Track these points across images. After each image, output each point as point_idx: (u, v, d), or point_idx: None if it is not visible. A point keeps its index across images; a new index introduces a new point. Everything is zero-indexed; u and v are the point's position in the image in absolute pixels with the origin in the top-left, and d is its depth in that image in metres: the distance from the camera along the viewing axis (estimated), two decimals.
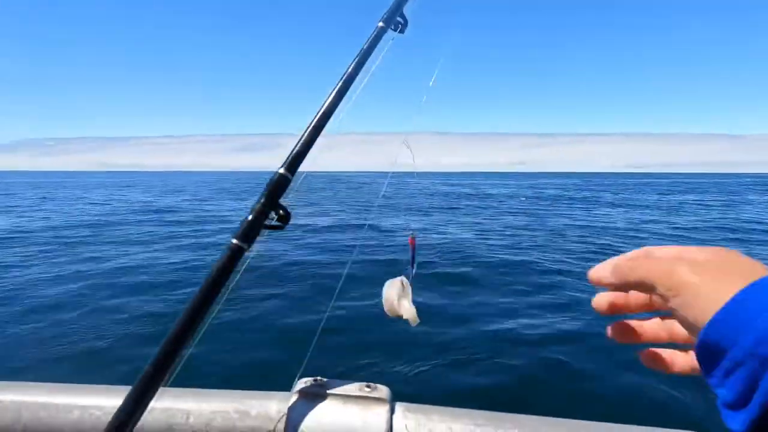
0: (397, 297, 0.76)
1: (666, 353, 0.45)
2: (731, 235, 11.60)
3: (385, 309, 0.77)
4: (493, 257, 7.84)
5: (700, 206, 20.61)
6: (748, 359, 0.34)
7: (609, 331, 0.46)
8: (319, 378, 0.77)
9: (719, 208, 19.80)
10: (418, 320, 0.76)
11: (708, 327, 0.37)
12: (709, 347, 0.37)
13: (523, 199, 26.42)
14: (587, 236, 10.81)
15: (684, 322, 0.40)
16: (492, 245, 9.18)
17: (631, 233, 11.62)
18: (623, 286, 0.44)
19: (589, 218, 15.08)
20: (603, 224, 13.33)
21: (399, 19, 0.76)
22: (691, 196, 28.84)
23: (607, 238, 10.68)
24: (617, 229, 12.42)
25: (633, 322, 0.46)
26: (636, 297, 0.46)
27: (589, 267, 0.44)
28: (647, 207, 20.25)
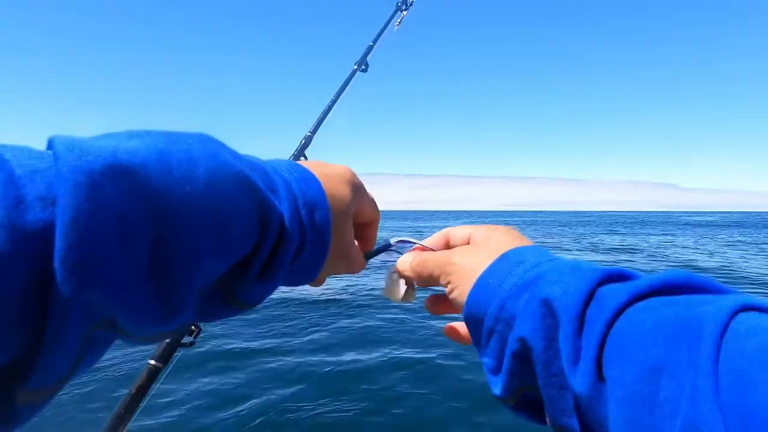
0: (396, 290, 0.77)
1: (462, 328, 0.45)
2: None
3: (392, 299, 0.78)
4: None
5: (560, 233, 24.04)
6: (497, 325, 0.35)
7: (444, 331, 0.47)
8: None
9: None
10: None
11: (466, 304, 0.38)
12: (471, 322, 0.38)
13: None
14: None
15: (459, 307, 0.40)
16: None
17: None
18: (422, 282, 0.45)
19: None
20: None
21: (364, 66, 1.03)
22: (556, 229, 33.49)
23: None
24: None
25: (458, 325, 0.46)
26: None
27: None
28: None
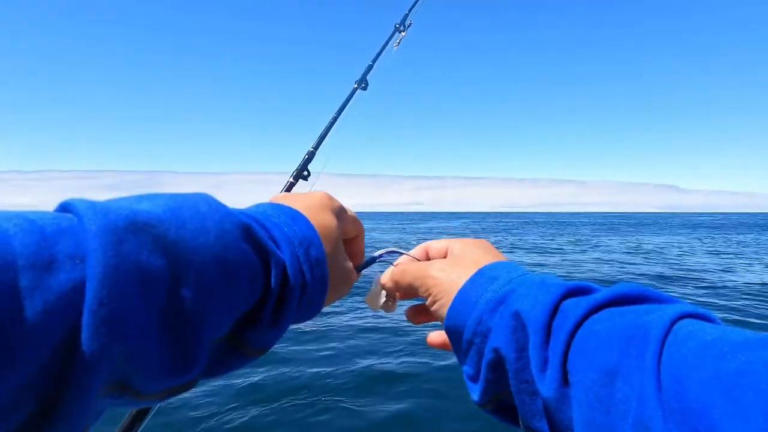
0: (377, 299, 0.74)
1: (442, 336, 0.47)
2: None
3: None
4: None
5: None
6: (474, 338, 0.38)
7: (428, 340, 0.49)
8: None
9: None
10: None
11: (447, 317, 0.41)
12: (451, 333, 0.41)
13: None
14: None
15: (439, 319, 0.43)
16: None
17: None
18: (402, 292, 0.48)
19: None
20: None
21: (364, 84, 1.08)
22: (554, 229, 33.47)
23: None
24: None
25: (438, 334, 0.48)
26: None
27: None
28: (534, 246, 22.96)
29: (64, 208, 0.26)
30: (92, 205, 0.25)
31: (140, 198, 0.29)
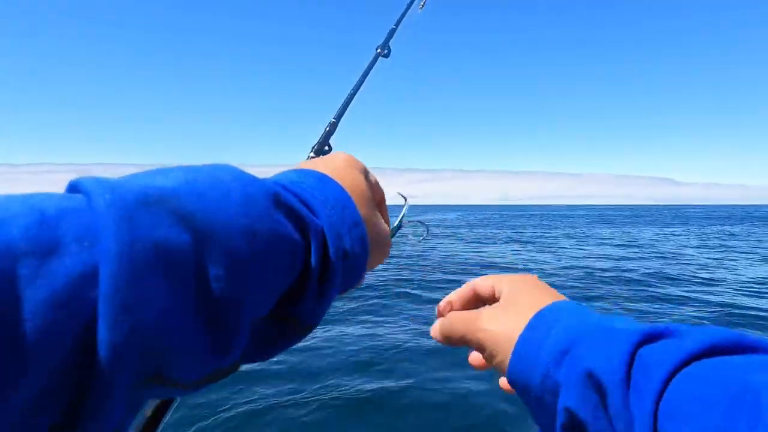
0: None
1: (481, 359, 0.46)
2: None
3: None
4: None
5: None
6: (544, 395, 0.35)
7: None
8: None
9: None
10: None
11: (509, 373, 0.38)
12: (517, 388, 0.39)
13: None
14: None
15: (501, 371, 0.41)
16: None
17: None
18: (455, 345, 0.45)
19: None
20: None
21: (386, 50, 1.00)
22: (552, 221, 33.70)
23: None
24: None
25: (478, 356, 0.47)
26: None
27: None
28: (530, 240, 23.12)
29: (74, 187, 0.24)
30: (100, 181, 0.23)
31: (153, 172, 0.26)
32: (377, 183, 0.43)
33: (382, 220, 0.41)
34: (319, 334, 4.62)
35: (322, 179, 0.35)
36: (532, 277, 0.45)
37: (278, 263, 0.28)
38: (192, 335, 0.23)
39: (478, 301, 0.47)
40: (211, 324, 0.24)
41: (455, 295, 0.48)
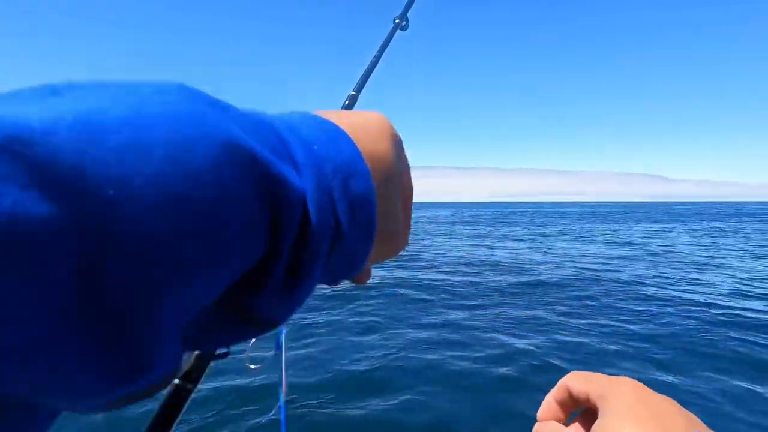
0: None
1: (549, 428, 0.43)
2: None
3: None
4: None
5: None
6: None
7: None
8: None
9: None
10: None
11: None
12: None
13: None
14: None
15: None
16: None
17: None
18: None
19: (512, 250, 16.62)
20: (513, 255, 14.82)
21: (405, 22, 0.95)
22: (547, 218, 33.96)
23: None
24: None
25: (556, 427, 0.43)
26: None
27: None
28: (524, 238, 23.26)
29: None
30: None
31: (46, 90, 0.18)
32: (409, 170, 0.33)
33: (400, 206, 0.32)
34: (299, 341, 4.47)
35: (335, 134, 0.27)
36: (642, 388, 0.37)
37: (222, 242, 0.19)
38: (74, 362, 0.16)
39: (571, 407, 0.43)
40: (109, 342, 0.17)
41: (548, 401, 0.44)
